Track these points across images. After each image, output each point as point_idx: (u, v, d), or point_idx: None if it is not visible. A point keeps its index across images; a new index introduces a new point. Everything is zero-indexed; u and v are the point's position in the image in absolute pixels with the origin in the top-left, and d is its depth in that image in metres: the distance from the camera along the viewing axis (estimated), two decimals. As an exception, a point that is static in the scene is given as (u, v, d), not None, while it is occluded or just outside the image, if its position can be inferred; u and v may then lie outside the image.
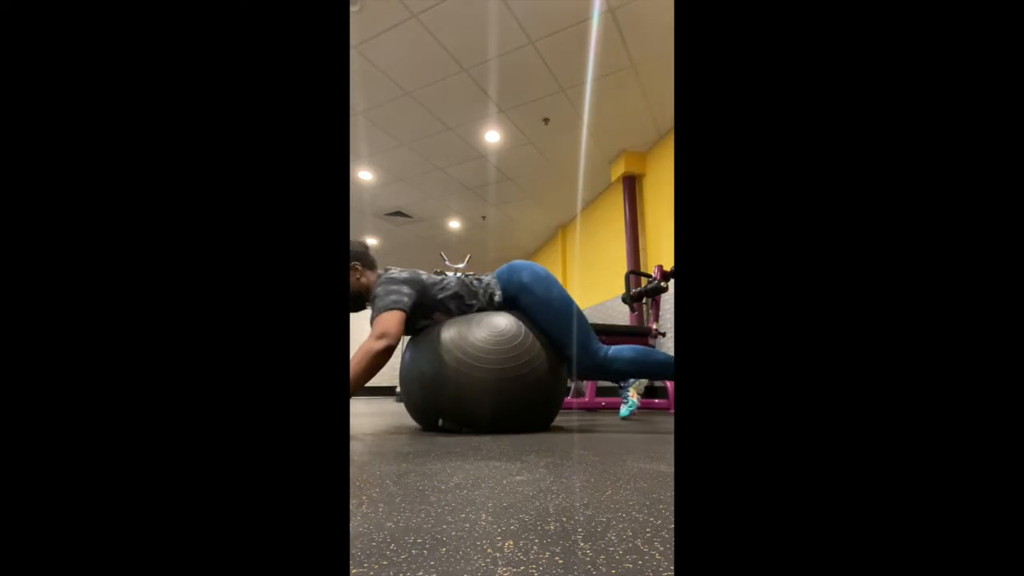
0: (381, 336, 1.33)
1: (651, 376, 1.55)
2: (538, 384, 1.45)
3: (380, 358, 1.31)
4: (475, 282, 1.60)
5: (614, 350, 1.55)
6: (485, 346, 1.41)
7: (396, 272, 1.52)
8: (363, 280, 1.57)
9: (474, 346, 1.41)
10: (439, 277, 1.58)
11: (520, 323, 1.49)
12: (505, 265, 1.64)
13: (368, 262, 1.59)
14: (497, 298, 1.58)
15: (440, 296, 1.53)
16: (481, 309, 1.57)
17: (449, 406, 1.42)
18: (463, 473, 0.77)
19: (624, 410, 2.09)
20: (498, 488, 0.65)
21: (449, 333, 1.45)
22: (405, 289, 1.45)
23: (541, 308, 1.53)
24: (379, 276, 1.55)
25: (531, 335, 1.48)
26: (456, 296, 1.55)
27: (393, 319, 1.37)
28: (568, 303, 1.55)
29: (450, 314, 1.54)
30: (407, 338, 1.88)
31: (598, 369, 1.54)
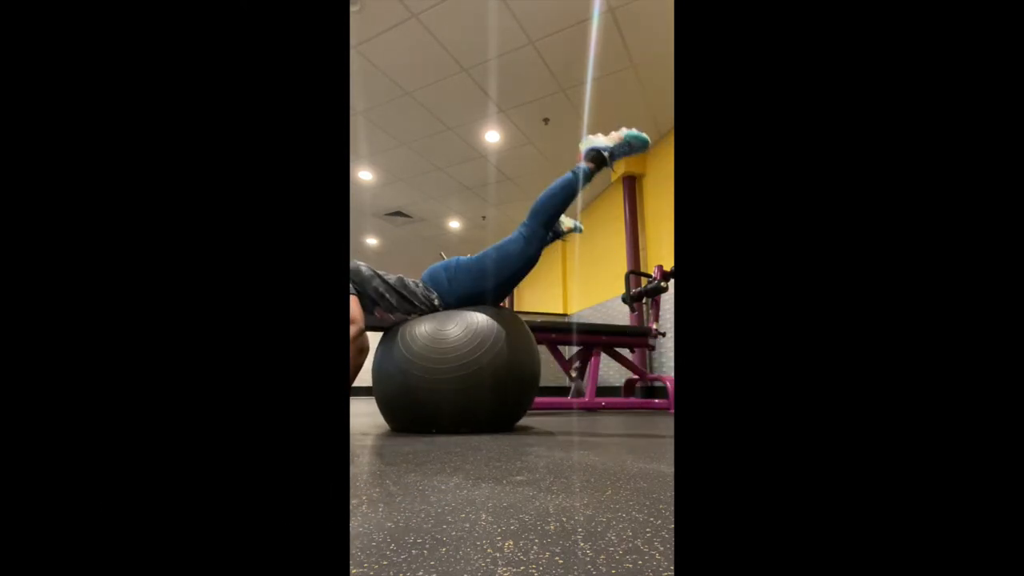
0: (350, 323, 1.35)
1: (560, 202, 1.65)
2: (499, 384, 1.46)
3: (357, 344, 1.35)
4: (412, 284, 1.65)
5: (530, 211, 1.67)
6: (438, 348, 1.44)
7: None
8: None
9: (429, 349, 1.44)
10: (380, 272, 1.61)
11: (473, 324, 1.51)
12: (424, 273, 1.72)
13: None
14: (437, 302, 1.64)
15: (380, 289, 1.56)
16: (427, 310, 1.62)
17: (412, 409, 1.45)
18: (463, 473, 0.77)
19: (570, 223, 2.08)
20: (498, 488, 0.65)
21: (408, 336, 1.48)
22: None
23: (473, 278, 1.62)
24: None
25: (486, 337, 1.48)
26: (396, 292, 1.58)
27: (351, 305, 1.39)
28: (482, 259, 1.65)
29: (391, 310, 1.57)
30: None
31: (535, 236, 1.65)
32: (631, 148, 1.71)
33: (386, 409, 1.53)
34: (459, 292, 1.64)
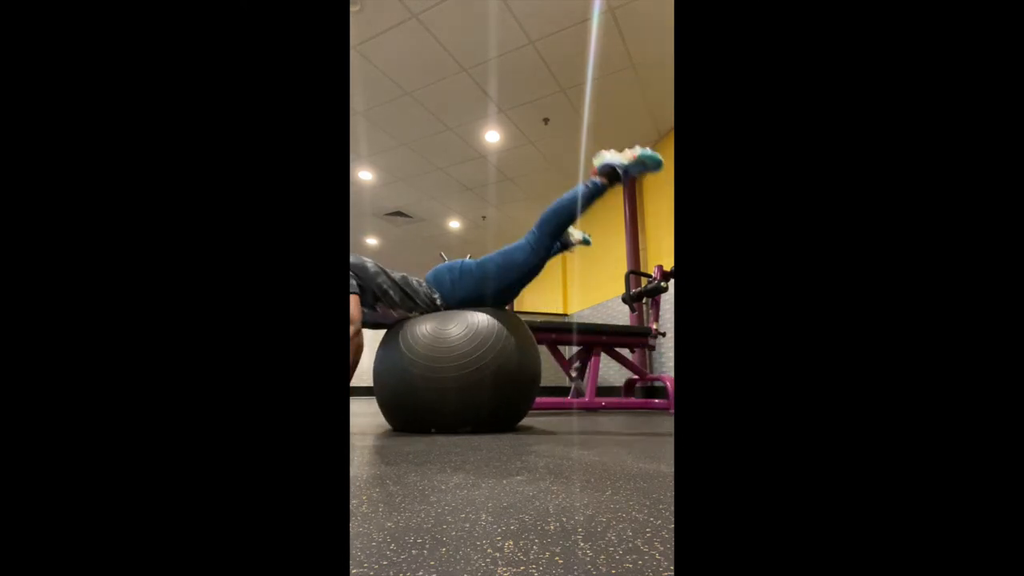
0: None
1: (568, 215, 1.66)
2: (501, 384, 1.47)
3: (354, 343, 1.36)
4: (415, 282, 1.66)
5: (538, 221, 1.68)
6: (442, 348, 1.44)
7: None
8: None
9: (432, 348, 1.44)
10: (385, 268, 1.63)
11: (475, 324, 1.51)
12: (429, 273, 1.73)
13: None
14: (439, 302, 1.66)
15: (384, 286, 1.57)
16: (428, 309, 1.64)
17: (414, 408, 1.45)
18: (463, 473, 0.77)
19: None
20: (498, 488, 0.65)
21: (409, 335, 1.49)
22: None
23: (476, 282, 1.65)
24: None
25: (487, 337, 1.49)
26: (400, 289, 1.60)
27: (351, 304, 1.40)
28: (484, 264, 1.67)
29: (394, 306, 1.59)
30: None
31: (542, 246, 1.67)
32: (645, 167, 1.67)
33: (387, 408, 1.54)
34: (461, 295, 1.66)
